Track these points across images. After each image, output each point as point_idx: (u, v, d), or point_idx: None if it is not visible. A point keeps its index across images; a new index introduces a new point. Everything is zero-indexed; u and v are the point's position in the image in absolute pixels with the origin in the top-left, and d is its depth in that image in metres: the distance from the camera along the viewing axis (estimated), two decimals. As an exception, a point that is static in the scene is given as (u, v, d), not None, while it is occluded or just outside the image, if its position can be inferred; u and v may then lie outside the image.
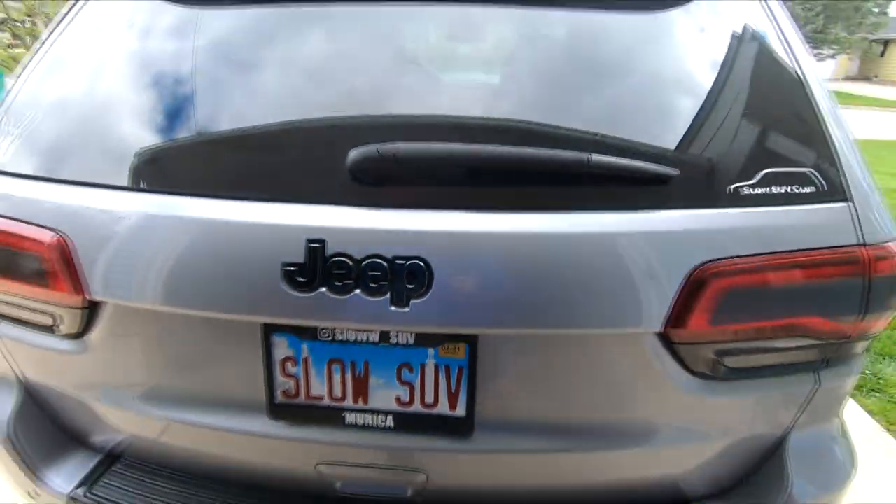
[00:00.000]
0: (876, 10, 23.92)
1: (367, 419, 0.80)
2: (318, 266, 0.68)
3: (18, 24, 6.82)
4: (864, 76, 31.11)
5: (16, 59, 6.64)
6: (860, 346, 0.82)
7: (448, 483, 0.85)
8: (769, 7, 0.84)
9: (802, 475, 0.81)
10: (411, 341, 0.76)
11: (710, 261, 0.68)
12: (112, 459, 0.93)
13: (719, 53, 0.81)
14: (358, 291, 0.69)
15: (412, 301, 0.69)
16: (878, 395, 2.14)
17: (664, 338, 0.73)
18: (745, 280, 0.69)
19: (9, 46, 6.80)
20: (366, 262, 0.68)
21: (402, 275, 0.68)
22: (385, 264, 0.68)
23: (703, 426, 0.80)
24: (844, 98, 20.05)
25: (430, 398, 0.78)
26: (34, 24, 7.10)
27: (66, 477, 0.89)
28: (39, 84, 0.85)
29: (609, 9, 0.84)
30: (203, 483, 0.89)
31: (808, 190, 0.71)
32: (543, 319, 0.71)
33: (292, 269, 0.68)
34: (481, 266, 0.70)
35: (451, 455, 0.82)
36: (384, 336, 0.76)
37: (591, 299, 0.70)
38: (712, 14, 0.84)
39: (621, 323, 0.71)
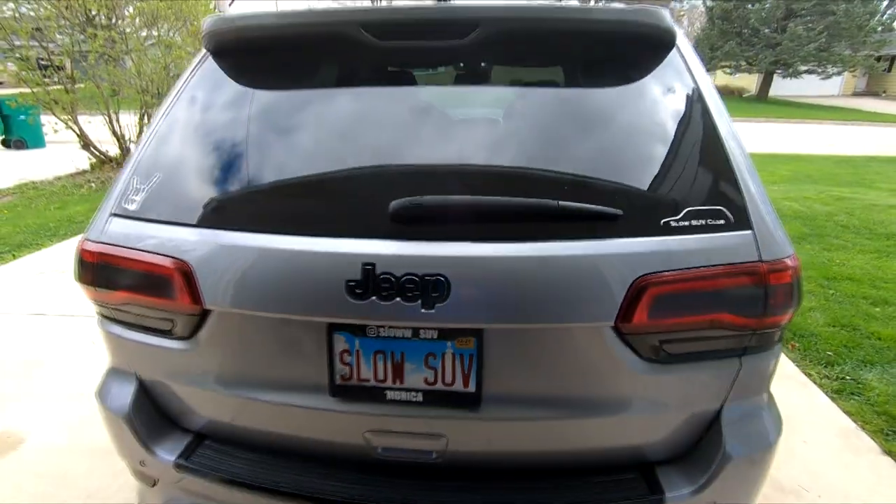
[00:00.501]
0: (880, 28, 24.11)
1: (403, 395, 1.04)
2: (371, 282, 0.94)
3: (58, 68, 7.34)
4: (872, 92, 31.17)
5: (56, 100, 7.14)
6: (771, 338, 1.04)
7: (463, 446, 1.08)
8: (700, 89, 1.10)
9: (734, 437, 1.03)
10: (435, 336, 1.00)
11: (646, 274, 0.92)
12: (202, 437, 1.19)
13: (661, 128, 1.07)
14: (398, 299, 0.94)
15: (436, 305, 0.94)
16: (856, 398, 2.32)
17: (617, 330, 0.97)
18: (672, 287, 0.93)
19: (39, 84, 7.29)
20: (403, 278, 0.94)
21: (429, 287, 0.94)
22: (417, 279, 0.94)
23: (655, 400, 1.02)
24: (852, 114, 20.13)
25: (449, 379, 1.02)
26: (63, 64, 7.61)
27: (169, 450, 1.15)
28: (155, 152, 1.13)
29: (573, 90, 1.13)
30: (274, 453, 1.14)
31: (720, 222, 0.96)
32: (528, 317, 0.96)
33: (353, 284, 0.94)
34: (485, 280, 0.94)
35: (464, 422, 1.05)
36: (415, 333, 1.00)
37: (563, 302, 0.94)
38: (655, 97, 1.11)
39: (585, 319, 0.96)
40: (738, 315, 0.98)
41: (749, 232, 0.96)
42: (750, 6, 24.95)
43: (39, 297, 3.41)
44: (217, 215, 1.04)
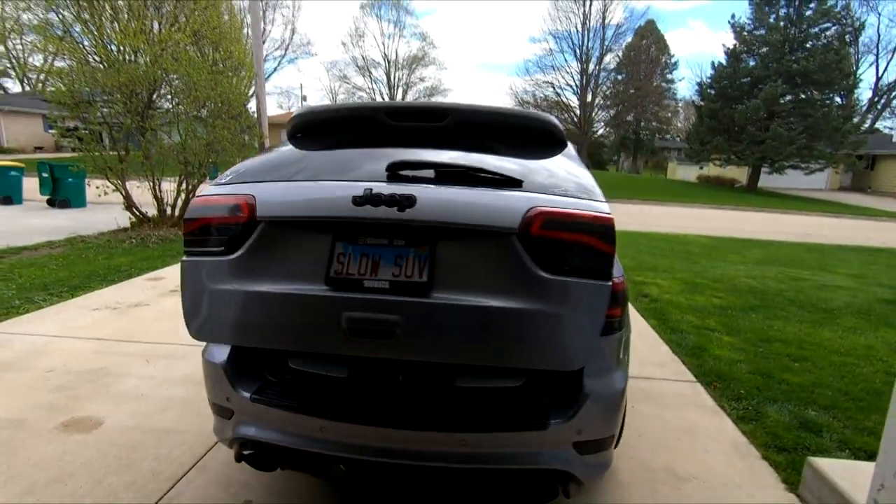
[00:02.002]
0: (857, 131, 26.07)
1: (376, 284, 1.51)
2: (367, 196, 1.49)
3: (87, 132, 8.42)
4: (857, 188, 32.85)
5: (111, 167, 8.21)
6: (612, 325, 1.72)
7: (414, 323, 1.50)
8: (573, 153, 1.93)
9: (591, 385, 1.67)
10: (403, 244, 1.53)
11: (536, 206, 1.51)
12: (267, 383, 1.84)
13: (555, 163, 1.82)
14: (383, 206, 1.48)
15: (407, 210, 1.48)
16: (754, 422, 2.90)
17: (520, 237, 1.47)
18: (554, 215, 1.50)
19: (74, 150, 8.36)
20: (388, 195, 1.48)
21: (403, 200, 1.48)
22: (397, 196, 1.48)
23: (547, 300, 1.47)
24: (835, 207, 21.30)
25: (409, 272, 1.51)
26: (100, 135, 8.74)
27: (246, 389, 1.79)
28: (242, 164, 1.90)
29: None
30: (303, 378, 1.79)
31: (585, 196, 1.61)
32: (465, 217, 1.49)
33: (356, 197, 1.49)
34: (440, 199, 1.53)
35: (418, 304, 1.49)
36: (390, 241, 1.54)
37: (486, 212, 1.52)
38: (562, 159, 1.89)
39: (501, 224, 1.48)
40: (601, 241, 1.50)
41: (606, 204, 1.61)
42: (736, 106, 27.20)
43: (97, 327, 4.10)
44: (272, 177, 1.75)
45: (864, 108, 32.98)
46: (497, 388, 1.80)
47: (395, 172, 1.65)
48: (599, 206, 1.59)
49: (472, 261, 1.54)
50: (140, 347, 3.71)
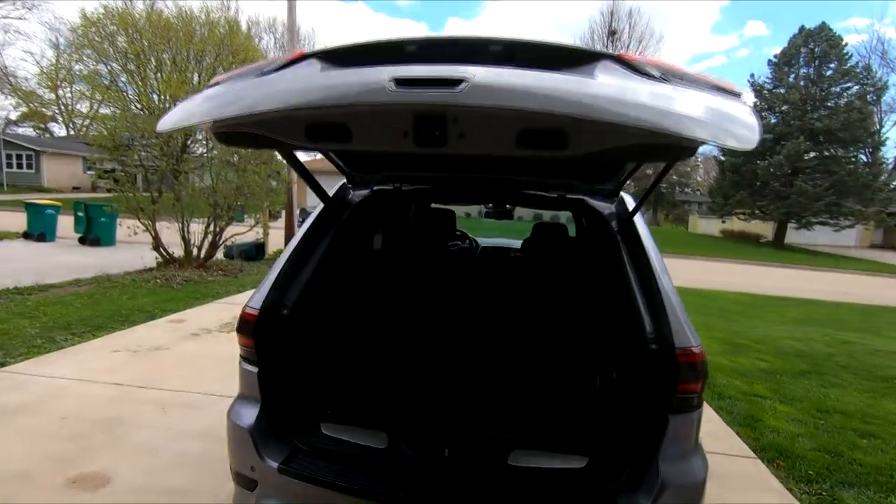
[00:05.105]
0: (887, 187, 25.59)
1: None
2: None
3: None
4: (889, 245, 31.89)
5: (143, 208, 8.38)
6: (690, 401, 1.50)
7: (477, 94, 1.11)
8: None
9: (669, 472, 1.45)
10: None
11: None
12: (297, 451, 1.65)
13: None
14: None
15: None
16: (831, 511, 2.57)
17: None
18: None
19: (109, 190, 8.55)
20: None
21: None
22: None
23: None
24: (869, 265, 20.63)
25: None
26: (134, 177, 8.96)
27: (274, 458, 1.61)
28: None
29: None
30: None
31: None
32: None
33: None
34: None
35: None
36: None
37: None
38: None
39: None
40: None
41: None
42: (759, 161, 27.04)
43: (115, 371, 3.97)
44: None
45: (892, 167, 32.47)
46: (555, 470, 1.58)
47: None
48: None
49: None
50: (157, 395, 3.55)
